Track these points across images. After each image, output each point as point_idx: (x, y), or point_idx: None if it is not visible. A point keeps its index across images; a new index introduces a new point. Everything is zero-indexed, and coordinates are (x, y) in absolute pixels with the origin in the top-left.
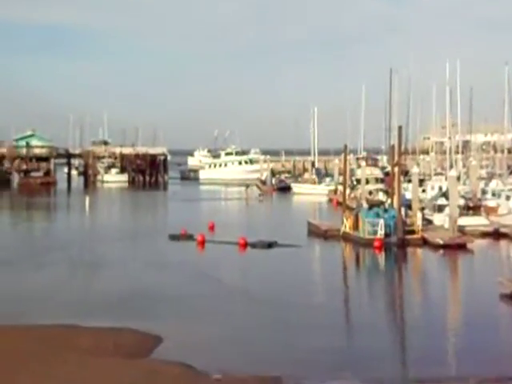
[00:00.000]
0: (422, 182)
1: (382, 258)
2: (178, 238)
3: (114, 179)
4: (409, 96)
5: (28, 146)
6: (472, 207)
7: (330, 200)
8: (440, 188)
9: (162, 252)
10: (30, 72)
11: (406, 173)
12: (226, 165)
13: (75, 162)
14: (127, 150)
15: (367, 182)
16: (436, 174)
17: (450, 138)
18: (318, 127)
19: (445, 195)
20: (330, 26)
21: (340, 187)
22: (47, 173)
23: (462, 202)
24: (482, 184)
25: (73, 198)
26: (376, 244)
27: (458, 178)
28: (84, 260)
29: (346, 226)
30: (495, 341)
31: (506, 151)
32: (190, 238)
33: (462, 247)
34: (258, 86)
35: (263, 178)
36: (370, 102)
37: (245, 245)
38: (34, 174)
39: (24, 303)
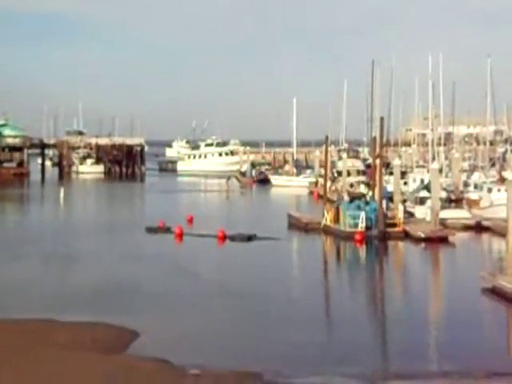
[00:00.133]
0: (403, 174)
1: (362, 251)
2: (155, 231)
3: (89, 170)
4: (391, 88)
5: (0, 135)
6: (454, 200)
7: (311, 192)
8: (422, 180)
9: (138, 245)
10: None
11: (387, 165)
12: (205, 156)
13: (49, 152)
14: (103, 141)
15: (348, 174)
16: (418, 167)
17: (432, 129)
18: (300, 119)
19: (427, 188)
20: (325, 18)
21: (321, 179)
22: (20, 163)
23: (444, 194)
24: (464, 176)
25: (47, 189)
26: (357, 237)
27: (440, 171)
28: (59, 253)
29: (327, 218)
30: (477, 335)
31: (488, 143)
32: (167, 230)
33: (443, 240)
34: (242, 79)
35: (243, 169)
36: (353, 94)
37: (223, 238)
38: (6, 164)
39: None
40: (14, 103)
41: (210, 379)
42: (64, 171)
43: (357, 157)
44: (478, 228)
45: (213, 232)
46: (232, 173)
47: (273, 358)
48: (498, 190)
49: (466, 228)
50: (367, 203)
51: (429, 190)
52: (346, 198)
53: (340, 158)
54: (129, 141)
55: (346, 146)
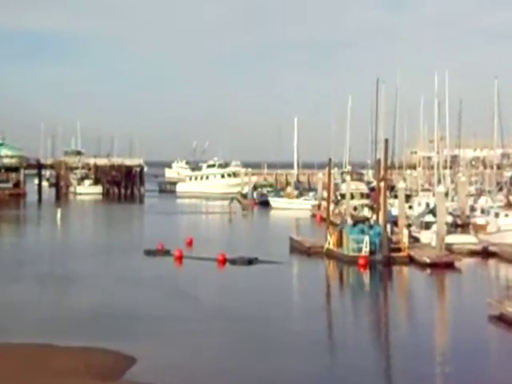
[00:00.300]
0: (408, 197)
1: (366, 276)
2: (153, 254)
3: (87, 191)
4: (396, 107)
5: None
6: (460, 225)
7: (314, 215)
8: (427, 204)
9: (136, 268)
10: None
11: (392, 188)
12: (207, 177)
13: (46, 172)
14: (102, 161)
15: (352, 197)
16: (423, 190)
17: (438, 152)
18: (302, 139)
19: (432, 212)
20: (327, 32)
21: (324, 202)
22: (17, 184)
23: (449, 219)
24: (470, 201)
25: (44, 210)
26: (360, 262)
27: (446, 195)
28: (55, 276)
29: (330, 242)
30: (484, 364)
31: (495, 167)
32: (166, 253)
33: (449, 266)
34: (242, 96)
35: (244, 191)
36: (357, 113)
37: (224, 261)
38: (2, 185)
39: None
40: (11, 122)
41: None
42: (61, 192)
43: (361, 179)
44: (485, 253)
45: (213, 255)
46: (234, 195)
47: None
48: (506, 215)
49: (473, 253)
50: (371, 227)
51: (434, 215)
52: (350, 221)
53: (343, 181)
54: (128, 161)
55: (349, 168)
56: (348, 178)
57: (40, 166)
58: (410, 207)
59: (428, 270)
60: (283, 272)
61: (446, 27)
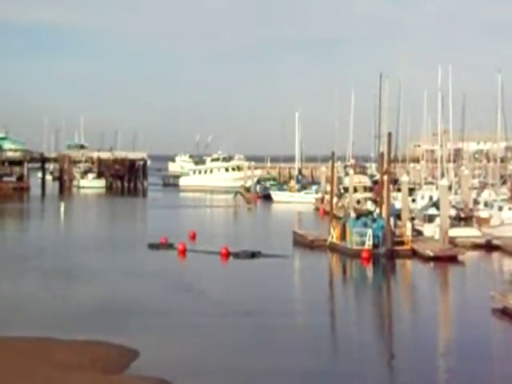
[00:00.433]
0: (411, 191)
1: (369, 269)
2: (157, 247)
3: (90, 185)
4: (399, 101)
5: (0, 149)
6: (464, 218)
7: (317, 209)
8: (431, 197)
9: (140, 261)
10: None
11: (395, 181)
12: (211, 171)
13: (50, 166)
14: (105, 155)
15: (355, 190)
16: (426, 183)
17: (441, 145)
18: (306, 133)
19: (435, 205)
20: (329, 26)
21: (327, 195)
22: (20, 178)
23: (453, 212)
24: (474, 194)
25: (47, 204)
26: (364, 255)
27: (450, 188)
28: (59, 269)
29: (333, 235)
30: (487, 358)
31: (498, 160)
32: (170, 246)
33: (452, 259)
34: (245, 90)
35: (247, 185)
36: (360, 106)
37: (227, 254)
38: (6, 178)
39: None
40: (14, 117)
41: None
42: (65, 186)
43: (364, 173)
44: (488, 247)
45: (216, 248)
46: (237, 188)
47: (276, 379)
48: (509, 208)
49: (476, 247)
50: (374, 220)
51: (438, 208)
52: (353, 214)
53: (347, 174)
54: (131, 155)
55: (352, 161)
56: (351, 171)
57: (43, 160)
58: (414, 200)
59: (431, 264)
60: (286, 265)
61: (450, 21)
